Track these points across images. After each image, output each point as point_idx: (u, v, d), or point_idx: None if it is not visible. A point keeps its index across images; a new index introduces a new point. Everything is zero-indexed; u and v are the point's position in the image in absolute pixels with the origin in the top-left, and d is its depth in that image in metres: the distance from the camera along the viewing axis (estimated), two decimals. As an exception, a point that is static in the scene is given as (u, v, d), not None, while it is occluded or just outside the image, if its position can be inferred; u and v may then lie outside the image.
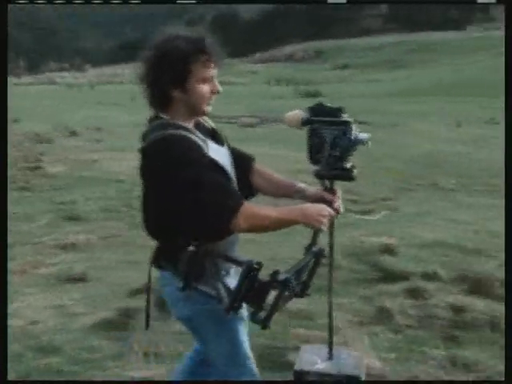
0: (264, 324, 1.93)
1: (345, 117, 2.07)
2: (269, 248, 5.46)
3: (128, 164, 9.89)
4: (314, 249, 2.07)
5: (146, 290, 2.21)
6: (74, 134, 13.08)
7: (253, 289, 1.88)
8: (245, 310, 2.09)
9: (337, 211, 2.08)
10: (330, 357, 2.36)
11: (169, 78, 1.94)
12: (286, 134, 13.23)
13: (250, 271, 1.87)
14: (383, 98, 20.06)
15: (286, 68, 41.88)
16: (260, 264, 1.88)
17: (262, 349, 3.19)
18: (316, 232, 2.06)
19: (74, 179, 8.75)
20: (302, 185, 2.20)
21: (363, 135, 2.05)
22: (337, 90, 22.27)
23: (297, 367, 2.41)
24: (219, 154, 2.03)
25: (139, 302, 3.82)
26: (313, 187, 2.17)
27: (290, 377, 2.96)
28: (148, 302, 2.22)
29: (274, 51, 52.42)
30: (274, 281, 1.89)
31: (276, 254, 5.19)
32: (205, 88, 1.98)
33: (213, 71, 1.99)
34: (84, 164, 9.90)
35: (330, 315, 2.43)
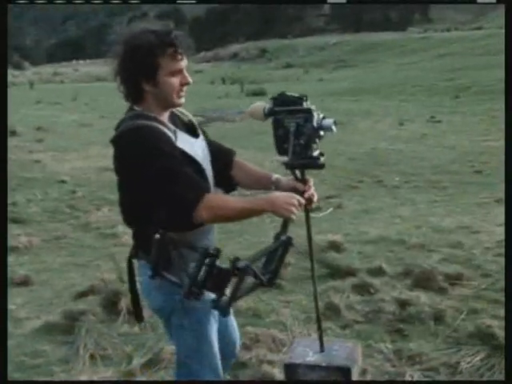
0: (223, 311, 1.92)
1: (306, 104, 2.04)
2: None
3: (71, 164, 9.71)
4: (283, 237, 2.04)
5: (131, 283, 2.17)
6: (14, 133, 12.67)
7: (212, 276, 1.87)
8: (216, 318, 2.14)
9: (310, 200, 2.10)
10: (322, 349, 2.34)
11: (139, 72, 1.97)
12: (230, 133, 13.28)
13: (204, 257, 1.87)
14: (327, 97, 20.28)
15: (230, 67, 41.85)
16: (218, 250, 1.88)
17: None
18: (286, 221, 2.04)
19: (16, 180, 8.50)
20: (277, 176, 2.21)
21: (327, 121, 2.02)
22: (282, 89, 22.33)
23: (287, 361, 2.39)
24: (191, 145, 2.05)
25: (84, 305, 3.76)
26: (286, 178, 2.17)
27: (240, 376, 2.98)
28: (135, 295, 2.18)
29: (219, 50, 52.34)
30: (233, 268, 1.86)
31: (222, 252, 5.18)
32: (174, 80, 2.00)
33: (181, 63, 2.00)
34: (25, 164, 9.64)
35: (316, 308, 2.42)
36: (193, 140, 2.09)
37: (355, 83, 24.21)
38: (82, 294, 3.96)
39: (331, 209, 7.01)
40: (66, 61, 62.68)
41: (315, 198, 2.12)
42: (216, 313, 2.09)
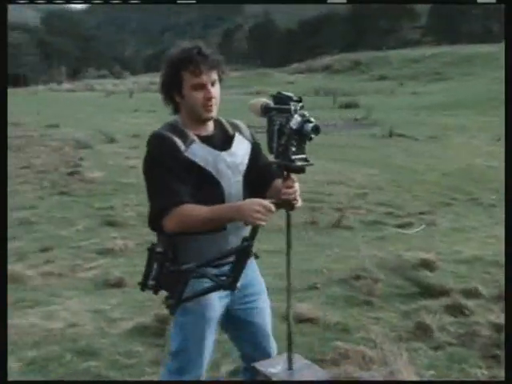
0: (170, 311, 2.08)
1: (293, 105, 2.00)
2: (303, 259, 5.44)
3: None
4: (244, 243, 2.06)
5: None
6: (112, 140, 13.26)
7: (162, 274, 2.04)
8: (215, 313, 2.22)
9: (288, 202, 2.07)
10: (290, 367, 2.18)
11: (169, 85, 2.16)
12: (315, 146, 13.21)
13: (151, 254, 2.06)
14: (422, 111, 19.82)
15: (323, 79, 41.78)
16: (163, 246, 2.05)
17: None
18: (254, 228, 2.05)
19: (112, 185, 8.87)
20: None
21: (307, 126, 1.95)
22: (375, 102, 22.09)
23: (256, 363, 2.29)
24: (212, 157, 2.15)
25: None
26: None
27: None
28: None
29: (311, 62, 52.34)
30: (178, 270, 2.02)
31: (310, 265, 5.18)
32: (198, 94, 2.12)
33: (203, 78, 2.11)
34: (122, 170, 10.03)
35: (288, 323, 2.25)
36: (216, 153, 2.17)
37: (450, 96, 23.53)
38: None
39: (424, 225, 6.84)
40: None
41: (298, 203, 2.10)
42: (215, 317, 2.23)
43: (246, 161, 2.25)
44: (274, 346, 2.47)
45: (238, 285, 2.10)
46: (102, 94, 33.30)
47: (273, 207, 2.01)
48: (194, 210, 2.06)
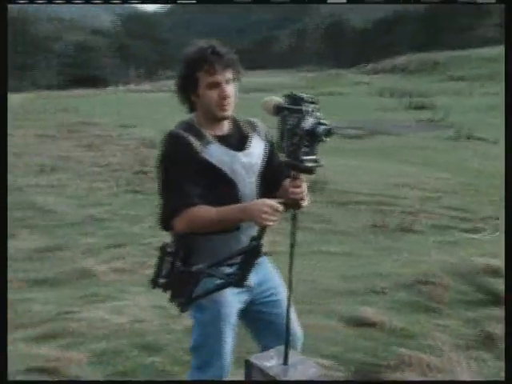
0: (181, 309, 2.14)
1: (305, 106, 1.98)
2: (370, 262, 5.37)
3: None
4: (253, 243, 2.08)
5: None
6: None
7: (172, 273, 2.09)
8: (231, 308, 2.25)
9: (295, 203, 2.07)
10: (285, 362, 2.14)
11: (185, 84, 2.20)
12: (389, 147, 13.00)
13: (162, 252, 2.10)
14: (501, 112, 19.13)
15: (399, 79, 40.94)
16: (175, 246, 2.10)
17: (361, 365, 3.14)
18: (262, 228, 2.07)
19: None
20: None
21: (319, 128, 1.93)
22: (452, 103, 21.45)
23: (252, 357, 2.25)
24: (229, 157, 2.19)
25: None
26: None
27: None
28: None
29: (387, 62, 51.37)
30: (188, 271, 2.08)
31: (377, 268, 5.10)
32: (213, 93, 2.15)
33: (218, 77, 2.14)
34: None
35: (287, 317, 2.22)
36: (232, 153, 2.20)
37: (532, 97, 22.47)
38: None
39: (497, 232, 6.58)
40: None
41: (305, 202, 2.09)
42: (233, 313, 2.26)
43: (260, 161, 2.28)
44: (297, 338, 2.46)
45: (251, 282, 2.17)
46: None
47: (280, 207, 2.03)
48: (203, 212, 2.10)
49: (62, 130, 17.13)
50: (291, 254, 2.16)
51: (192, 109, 2.26)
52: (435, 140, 14.14)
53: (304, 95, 2.02)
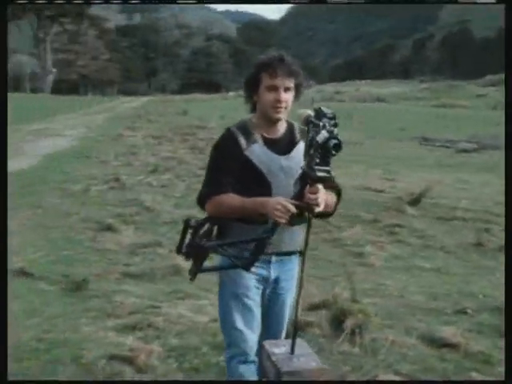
0: (190, 276, 2.41)
1: (325, 121, 2.11)
2: (461, 281, 5.21)
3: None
4: (264, 235, 2.28)
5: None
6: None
7: (192, 246, 2.33)
8: (250, 297, 2.47)
9: (310, 207, 2.17)
10: (292, 352, 2.25)
11: (249, 84, 2.43)
12: (500, 162, 12.39)
13: (185, 226, 2.36)
14: None
15: (518, 91, 38.87)
16: (197, 221, 2.34)
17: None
18: (274, 223, 2.25)
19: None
20: None
21: (331, 142, 2.05)
22: None
23: (266, 341, 2.40)
24: (269, 159, 2.40)
25: (312, 317, 3.91)
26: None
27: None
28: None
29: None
30: (201, 245, 2.33)
31: (464, 287, 4.95)
32: (270, 95, 2.36)
33: (278, 82, 2.34)
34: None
35: (296, 311, 2.32)
36: (274, 156, 2.41)
37: None
38: (313, 307, 4.10)
39: None
40: (348, 80, 65.12)
41: (319, 207, 2.19)
42: (250, 295, 2.47)
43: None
44: (283, 330, 2.66)
45: (269, 274, 2.46)
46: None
47: (292, 208, 2.21)
48: (230, 199, 2.36)
49: (177, 133, 17.94)
50: (303, 255, 2.26)
51: (253, 109, 2.47)
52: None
53: (327, 110, 2.14)
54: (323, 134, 2.06)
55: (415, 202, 8.29)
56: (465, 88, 44.93)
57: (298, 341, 2.28)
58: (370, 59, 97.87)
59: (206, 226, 2.40)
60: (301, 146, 2.37)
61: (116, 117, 26.11)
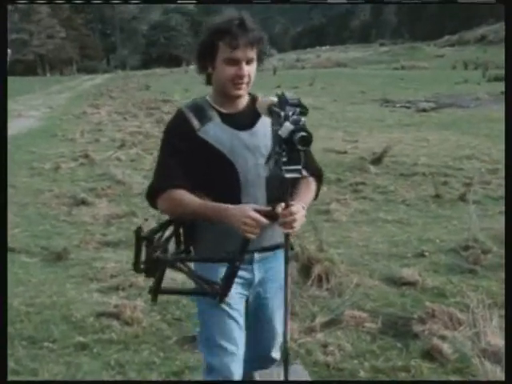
0: (151, 297, 2.05)
1: (287, 109, 1.75)
2: (420, 229, 5.56)
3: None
4: (229, 255, 1.93)
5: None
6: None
7: (149, 261, 2.02)
8: (239, 302, 2.11)
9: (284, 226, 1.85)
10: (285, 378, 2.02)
11: (203, 54, 2.01)
12: (456, 120, 12.86)
13: (137, 237, 2.04)
14: None
15: (475, 51, 39.59)
16: (151, 230, 2.04)
17: (389, 317, 3.44)
18: (243, 239, 1.88)
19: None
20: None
21: (296, 135, 1.68)
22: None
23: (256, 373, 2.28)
24: (229, 136, 2.02)
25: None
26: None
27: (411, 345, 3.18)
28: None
29: (464, 34, 49.66)
30: (157, 258, 1.99)
31: (423, 234, 5.29)
32: (229, 69, 1.96)
33: (240, 54, 1.94)
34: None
35: (284, 336, 2.00)
36: (234, 132, 2.03)
37: None
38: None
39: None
40: (309, 47, 65.15)
41: (295, 229, 1.85)
42: (233, 305, 2.07)
43: (270, 142, 1.90)
44: (277, 344, 2.30)
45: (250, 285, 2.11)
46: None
47: (264, 220, 1.83)
48: (187, 200, 1.96)
49: (141, 108, 17.96)
50: (286, 272, 1.93)
51: (209, 81, 2.09)
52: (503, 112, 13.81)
53: (290, 96, 1.80)
54: (286, 127, 1.68)
55: (377, 160, 8.62)
56: (424, 49, 45.39)
57: (293, 367, 2.09)
58: (329, 26, 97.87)
59: (168, 232, 2.06)
60: (266, 119, 1.97)
61: (78, 95, 25.87)
